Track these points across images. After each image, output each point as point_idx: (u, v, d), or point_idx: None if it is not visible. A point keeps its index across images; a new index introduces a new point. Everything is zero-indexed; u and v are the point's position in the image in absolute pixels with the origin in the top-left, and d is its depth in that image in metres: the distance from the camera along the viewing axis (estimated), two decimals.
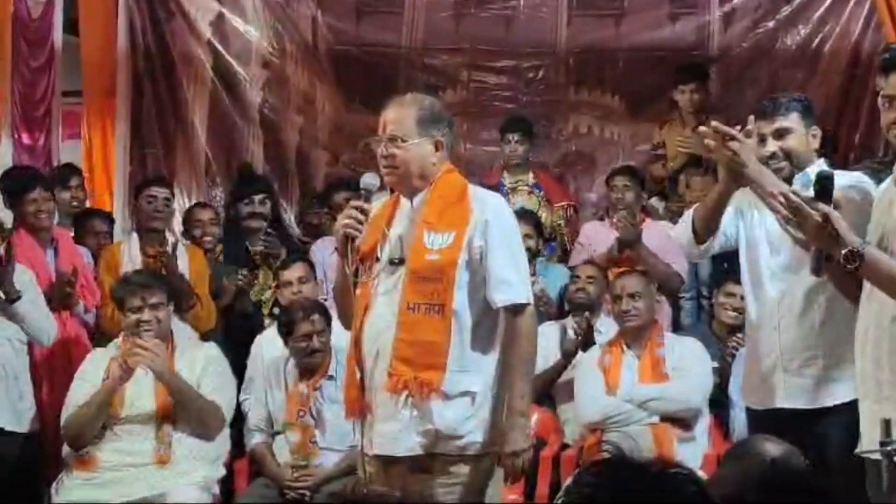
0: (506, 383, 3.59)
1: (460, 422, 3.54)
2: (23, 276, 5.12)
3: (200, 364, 5.03)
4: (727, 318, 5.72)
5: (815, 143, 3.96)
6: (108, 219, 6.55)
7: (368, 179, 3.67)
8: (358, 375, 3.61)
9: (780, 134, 3.91)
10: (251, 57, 8.10)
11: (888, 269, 3.19)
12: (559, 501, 1.37)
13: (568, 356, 5.61)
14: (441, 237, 3.55)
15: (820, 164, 3.92)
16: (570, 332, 5.73)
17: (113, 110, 7.82)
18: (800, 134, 3.92)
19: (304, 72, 8.16)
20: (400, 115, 3.61)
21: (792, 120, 3.92)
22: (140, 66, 7.92)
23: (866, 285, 3.40)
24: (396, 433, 3.54)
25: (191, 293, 5.73)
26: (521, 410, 3.58)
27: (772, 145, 3.91)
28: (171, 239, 5.99)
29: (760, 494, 1.79)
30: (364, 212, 3.57)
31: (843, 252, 3.13)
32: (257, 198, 6.40)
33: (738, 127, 3.76)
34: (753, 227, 4.04)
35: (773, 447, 2.47)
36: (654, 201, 7.09)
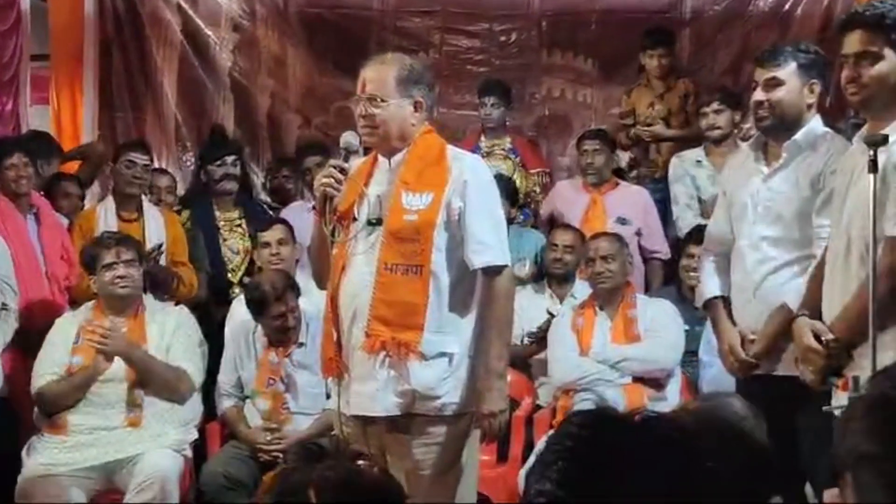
0: (483, 345, 3.60)
1: (437, 382, 3.54)
2: None
3: (171, 327, 5.02)
4: (689, 279, 5.73)
5: (811, 99, 3.87)
6: (80, 182, 6.47)
7: (348, 138, 3.64)
8: (334, 335, 3.60)
9: (772, 84, 3.87)
10: (221, 20, 8.03)
11: None
12: (541, 454, 1.35)
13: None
14: (419, 198, 3.54)
15: (816, 121, 3.91)
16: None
17: (81, 74, 7.76)
18: (793, 87, 3.85)
19: (275, 35, 8.08)
20: (380, 74, 3.58)
21: (787, 72, 3.85)
22: (109, 30, 7.85)
23: (831, 253, 3.43)
24: (373, 393, 3.54)
25: (170, 282, 5.70)
26: (499, 372, 3.58)
27: (759, 94, 3.88)
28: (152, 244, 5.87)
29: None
30: (343, 171, 3.55)
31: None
32: (229, 159, 6.32)
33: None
34: (740, 197, 4.01)
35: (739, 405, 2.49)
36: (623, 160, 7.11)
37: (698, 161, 6.27)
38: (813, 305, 3.51)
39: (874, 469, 1.17)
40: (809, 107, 3.89)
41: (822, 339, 3.38)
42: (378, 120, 3.56)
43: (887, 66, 3.29)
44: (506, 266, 3.62)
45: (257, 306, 5.11)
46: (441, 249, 3.54)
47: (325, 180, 3.53)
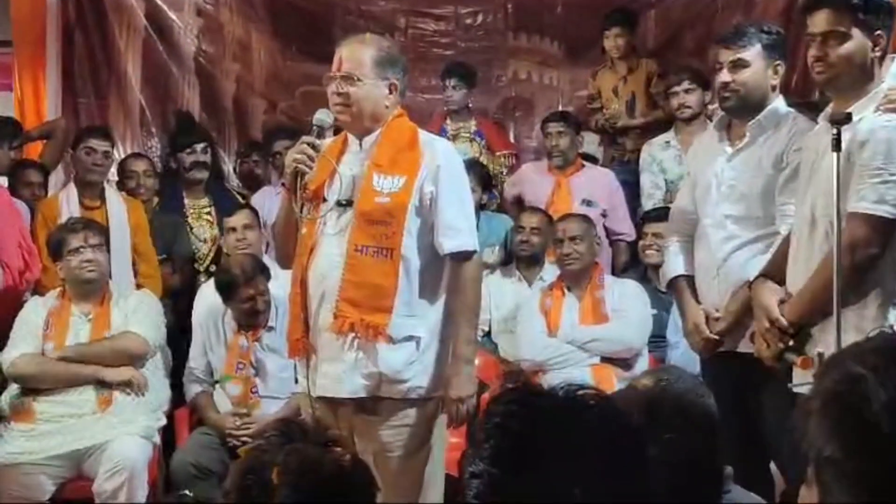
0: (451, 330, 3.61)
1: (405, 366, 3.55)
2: None
3: (132, 308, 5.00)
4: (650, 257, 5.75)
5: (775, 80, 3.91)
6: (42, 170, 6.41)
7: (321, 116, 3.62)
8: (302, 316, 3.59)
9: (737, 66, 3.89)
10: (185, 4, 7.95)
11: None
12: (471, 436, 1.36)
13: None
14: (391, 181, 3.54)
15: (779, 101, 3.94)
16: None
17: (44, 60, 7.66)
18: (757, 69, 3.88)
19: (239, 19, 8.02)
20: (357, 53, 3.57)
21: (752, 53, 3.88)
22: (71, 15, 7.74)
23: (795, 230, 3.46)
24: (340, 375, 3.55)
25: None
26: (467, 357, 3.60)
27: (725, 75, 3.91)
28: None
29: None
30: (315, 148, 3.53)
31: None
32: (199, 146, 6.27)
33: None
34: (704, 176, 4.04)
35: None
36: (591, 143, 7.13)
37: (667, 142, 6.30)
38: (774, 271, 3.55)
39: (837, 471, 1.17)
40: (774, 87, 3.93)
41: (775, 321, 3.42)
42: (352, 98, 3.55)
43: (854, 46, 3.33)
44: (475, 252, 3.64)
45: (226, 290, 5.10)
46: (412, 233, 3.55)
47: (297, 156, 3.51)
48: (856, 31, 3.32)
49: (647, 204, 6.26)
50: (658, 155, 6.29)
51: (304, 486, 1.92)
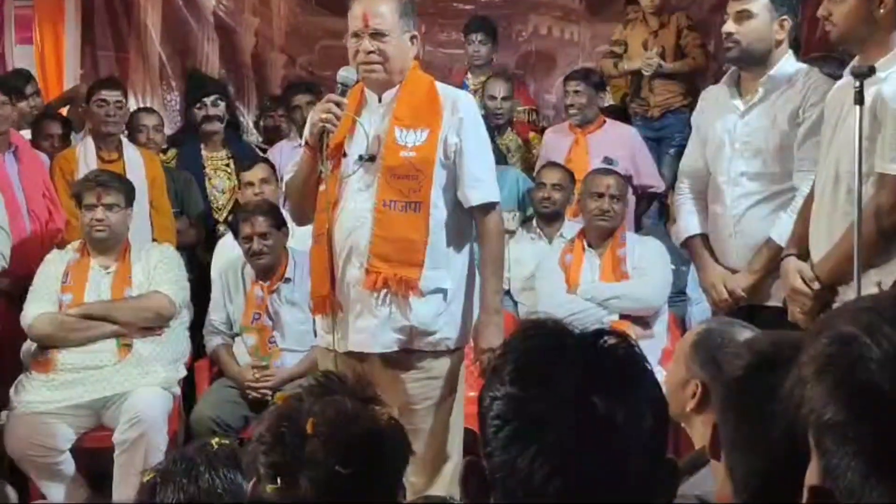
0: (474, 280, 3.63)
1: (433, 318, 3.58)
2: None
3: (153, 263, 5.00)
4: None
5: (781, 35, 3.89)
6: (63, 121, 6.40)
7: (345, 73, 3.59)
8: (329, 272, 3.58)
9: (742, 16, 3.88)
10: None
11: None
12: (491, 368, 1.38)
13: None
14: (414, 134, 3.54)
15: (788, 56, 3.92)
16: None
17: (63, 13, 7.67)
18: (762, 21, 3.87)
19: None
20: (381, 8, 3.53)
21: (758, 5, 3.86)
22: None
23: (818, 186, 3.44)
24: (373, 329, 3.56)
25: None
26: (495, 307, 3.62)
27: (729, 26, 3.91)
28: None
29: None
30: (340, 106, 3.51)
31: None
32: (208, 100, 6.23)
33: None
34: (715, 133, 4.02)
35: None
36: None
37: None
38: (800, 243, 3.54)
39: (838, 435, 1.15)
40: (779, 42, 3.92)
41: (808, 283, 3.41)
42: (386, 55, 3.52)
43: (852, 2, 3.31)
44: (498, 202, 3.66)
45: (233, 229, 5.16)
46: (437, 186, 3.55)
47: (324, 115, 3.48)
48: None
49: None
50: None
51: (337, 439, 1.92)
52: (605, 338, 1.35)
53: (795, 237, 3.60)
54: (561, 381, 1.29)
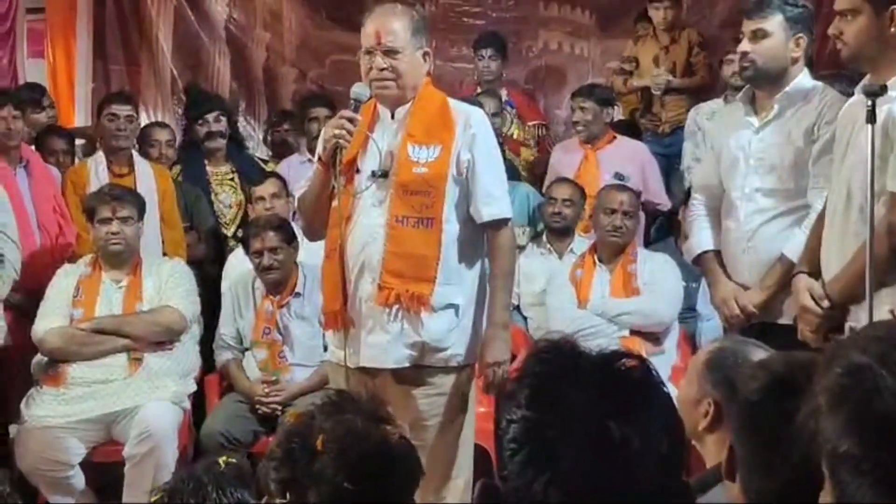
0: (484, 296, 3.64)
1: (445, 334, 3.58)
2: None
3: (164, 278, 5.01)
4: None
5: (797, 52, 3.90)
6: (68, 136, 6.39)
7: (358, 89, 3.60)
8: (341, 288, 3.59)
9: (757, 36, 3.89)
10: None
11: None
12: (508, 391, 1.38)
13: None
14: (427, 150, 3.55)
15: (804, 74, 3.92)
16: None
17: (75, 27, 7.70)
18: (778, 40, 3.88)
19: None
20: (394, 25, 3.55)
21: (773, 23, 3.88)
22: None
23: (830, 204, 3.43)
24: (384, 345, 3.56)
25: None
26: (503, 322, 3.63)
27: (744, 45, 3.92)
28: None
29: None
30: (353, 122, 3.52)
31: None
32: (210, 116, 6.23)
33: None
34: (729, 149, 4.03)
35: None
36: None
37: (714, 112, 6.22)
38: (812, 261, 3.53)
39: (854, 467, 1.15)
40: (795, 60, 3.93)
41: (818, 301, 3.40)
42: (397, 73, 3.54)
43: (863, 22, 3.30)
44: (510, 219, 3.67)
45: (244, 243, 5.18)
46: (449, 202, 3.56)
47: (337, 131, 3.49)
48: (866, 7, 3.29)
49: (686, 177, 6.23)
50: (704, 124, 6.22)
51: (347, 456, 1.92)
52: (622, 360, 1.35)
53: (807, 255, 3.59)
54: (576, 406, 1.29)
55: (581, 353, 1.38)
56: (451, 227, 3.56)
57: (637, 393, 1.33)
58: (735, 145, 3.99)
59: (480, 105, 6.09)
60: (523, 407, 1.33)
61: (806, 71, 3.96)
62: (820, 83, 3.97)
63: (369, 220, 3.55)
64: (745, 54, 3.91)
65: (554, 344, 1.41)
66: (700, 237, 4.16)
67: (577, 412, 1.29)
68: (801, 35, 3.89)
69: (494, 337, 3.59)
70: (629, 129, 6.77)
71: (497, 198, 3.61)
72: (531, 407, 1.32)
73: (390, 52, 3.52)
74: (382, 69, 3.53)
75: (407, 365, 3.57)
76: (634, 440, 1.28)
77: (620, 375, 1.34)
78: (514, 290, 5.61)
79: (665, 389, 1.37)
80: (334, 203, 3.59)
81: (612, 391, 1.32)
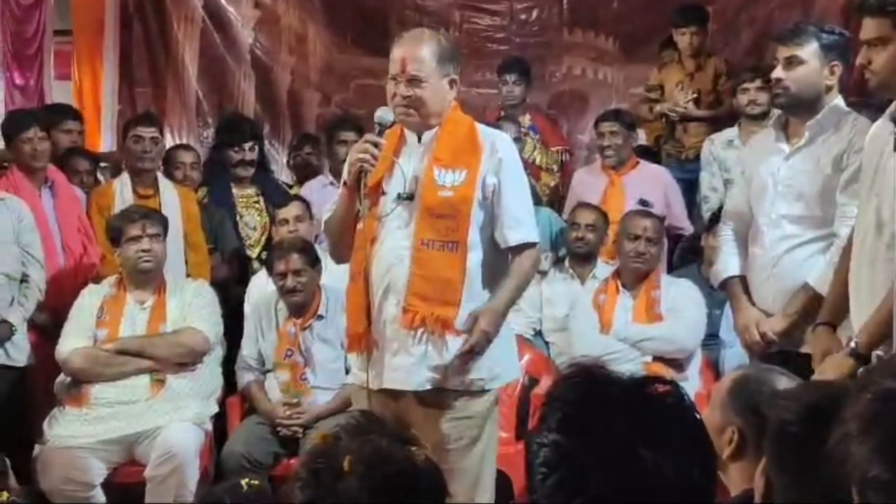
0: (497, 289, 3.60)
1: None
2: (23, 214, 5.08)
3: (188, 299, 5.04)
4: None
5: (831, 80, 3.88)
6: (91, 158, 6.42)
7: (382, 114, 3.60)
8: (365, 309, 3.60)
9: (791, 63, 3.88)
10: None
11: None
12: (540, 415, 1.38)
13: None
14: (453, 174, 3.55)
15: (837, 101, 3.91)
16: None
17: (102, 49, 7.77)
18: (812, 67, 3.87)
19: (296, 11, 8.10)
20: (420, 53, 3.54)
21: (808, 51, 3.86)
22: (130, 5, 7.88)
23: (858, 233, 3.40)
24: (408, 367, 3.56)
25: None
26: (501, 311, 3.57)
27: (778, 72, 3.90)
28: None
29: None
30: (378, 146, 3.53)
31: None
32: (247, 145, 6.24)
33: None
34: (760, 175, 4.02)
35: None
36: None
37: (730, 141, 6.22)
38: (835, 312, 3.46)
39: (885, 492, 1.14)
40: (829, 88, 3.91)
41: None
42: (420, 101, 3.54)
43: (893, 50, 3.28)
44: (536, 243, 3.67)
45: (267, 265, 5.21)
46: (475, 225, 3.55)
47: (361, 155, 3.50)
48: (895, 36, 3.28)
49: (704, 207, 6.22)
50: (720, 153, 6.22)
51: (374, 478, 1.92)
52: (654, 385, 1.35)
53: (830, 305, 3.53)
54: (607, 431, 1.29)
55: (613, 378, 1.37)
56: (476, 251, 3.56)
57: (669, 419, 1.33)
58: (765, 171, 3.98)
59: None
60: (554, 431, 1.32)
61: (840, 98, 3.94)
62: (853, 111, 3.95)
63: (395, 242, 3.56)
64: (778, 81, 3.90)
65: (585, 368, 1.41)
66: (727, 262, 4.15)
67: (608, 438, 1.29)
68: (835, 62, 3.87)
69: (494, 310, 3.53)
70: (646, 154, 6.75)
71: (523, 222, 3.61)
72: (562, 431, 1.32)
73: (414, 81, 3.53)
74: (405, 97, 3.55)
75: (429, 387, 3.57)
76: (666, 468, 1.27)
77: (652, 401, 1.33)
78: (536, 315, 5.69)
79: (697, 416, 1.36)
80: (360, 226, 3.60)
81: (643, 417, 1.31)
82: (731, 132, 6.29)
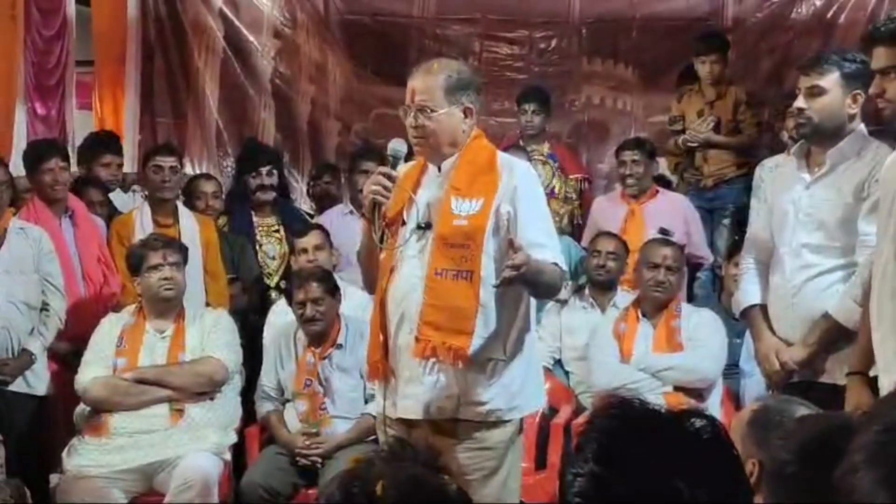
0: (526, 350, 3.61)
1: (483, 388, 3.54)
2: (44, 243, 5.11)
3: (208, 328, 5.05)
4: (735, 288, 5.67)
5: (854, 109, 3.86)
6: (104, 188, 6.45)
7: (395, 146, 3.62)
8: (381, 338, 3.60)
9: (813, 93, 3.86)
10: (263, 27, 8.09)
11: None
12: (577, 445, 1.37)
13: None
14: (469, 203, 3.53)
15: (859, 130, 3.90)
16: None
17: (123, 79, 7.83)
18: (834, 97, 3.84)
19: (316, 41, 8.13)
20: (428, 84, 3.54)
21: (830, 80, 3.84)
22: (151, 35, 7.94)
23: (878, 263, 3.37)
24: (420, 396, 3.55)
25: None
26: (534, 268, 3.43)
27: (801, 101, 3.89)
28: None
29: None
30: (391, 178, 3.53)
31: None
32: (264, 170, 6.26)
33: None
34: (781, 204, 4.01)
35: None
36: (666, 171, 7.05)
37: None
38: (868, 354, 3.39)
39: None
40: (852, 116, 3.89)
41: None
42: (429, 131, 3.54)
43: None
44: (562, 267, 3.58)
45: (287, 294, 5.20)
46: (489, 254, 3.53)
47: (373, 188, 3.51)
48: None
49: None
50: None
51: (405, 502, 1.92)
52: (692, 419, 1.34)
53: (860, 351, 3.47)
54: (644, 464, 1.28)
55: (651, 410, 1.36)
56: (489, 280, 3.52)
57: (707, 453, 1.31)
58: (787, 200, 3.97)
59: None
60: (591, 462, 1.31)
61: (862, 127, 3.91)
62: (875, 140, 3.93)
63: (410, 271, 3.55)
64: (801, 111, 3.88)
65: (623, 400, 1.40)
66: (748, 291, 4.13)
67: (645, 470, 1.28)
68: (858, 91, 3.84)
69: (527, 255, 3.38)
70: (659, 181, 6.73)
71: (546, 246, 3.54)
72: (599, 462, 1.31)
73: (422, 111, 3.53)
74: (414, 127, 3.56)
75: (443, 417, 3.55)
76: (702, 501, 1.26)
77: (690, 434, 1.32)
78: (556, 343, 5.67)
79: (735, 451, 1.35)
80: (381, 256, 3.61)
81: (681, 450, 1.30)
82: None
